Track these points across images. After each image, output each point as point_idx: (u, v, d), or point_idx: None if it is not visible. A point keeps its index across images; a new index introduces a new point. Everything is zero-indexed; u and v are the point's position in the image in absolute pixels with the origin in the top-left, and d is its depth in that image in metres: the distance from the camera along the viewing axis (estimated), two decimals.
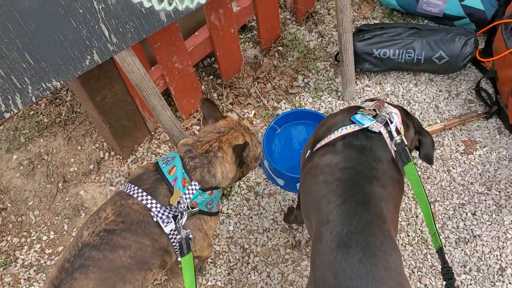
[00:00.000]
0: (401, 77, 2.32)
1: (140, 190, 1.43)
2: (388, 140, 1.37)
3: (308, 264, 1.90)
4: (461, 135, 2.12)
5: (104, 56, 1.44)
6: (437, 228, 1.31)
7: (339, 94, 2.30)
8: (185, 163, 1.46)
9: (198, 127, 2.27)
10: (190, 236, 1.41)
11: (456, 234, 1.90)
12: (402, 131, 1.41)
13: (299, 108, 2.26)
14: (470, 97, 2.21)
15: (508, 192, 1.96)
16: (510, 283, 1.78)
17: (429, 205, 1.31)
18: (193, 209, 1.45)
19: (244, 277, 1.90)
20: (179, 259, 1.39)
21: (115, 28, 1.42)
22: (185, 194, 1.43)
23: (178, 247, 1.43)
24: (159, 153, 2.23)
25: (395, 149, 1.35)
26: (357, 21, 2.51)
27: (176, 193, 1.42)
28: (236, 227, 2.01)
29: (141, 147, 2.25)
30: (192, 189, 1.44)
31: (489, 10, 2.24)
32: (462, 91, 2.23)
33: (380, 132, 1.38)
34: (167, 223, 1.41)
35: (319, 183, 1.32)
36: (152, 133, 2.28)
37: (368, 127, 1.37)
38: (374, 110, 1.42)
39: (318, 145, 1.43)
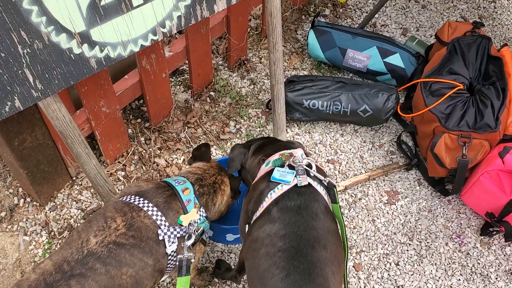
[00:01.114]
0: (328, 127, 2.39)
1: (151, 205, 1.43)
2: (318, 187, 1.39)
3: None
4: (384, 185, 2.21)
5: (27, 103, 1.34)
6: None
7: None
8: (196, 190, 1.55)
9: (123, 173, 2.17)
10: (192, 260, 1.42)
11: (381, 284, 1.94)
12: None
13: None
14: (392, 148, 2.33)
15: (428, 243, 2.06)
16: None
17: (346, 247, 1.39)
18: (198, 231, 1.50)
19: None
20: (166, 277, 1.50)
21: (41, 74, 1.33)
22: (198, 214, 1.51)
23: (172, 268, 1.49)
24: (80, 199, 2.10)
25: (325, 192, 1.39)
26: (287, 71, 2.58)
27: (192, 215, 1.48)
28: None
29: (61, 193, 2.10)
30: (201, 214, 1.53)
31: (409, 68, 2.39)
32: (385, 143, 2.34)
33: (309, 184, 1.39)
34: (172, 243, 1.42)
35: (261, 257, 1.29)
36: (74, 178, 2.14)
37: (296, 184, 1.38)
38: (289, 165, 1.44)
39: (254, 217, 1.41)
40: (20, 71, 1.29)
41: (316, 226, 1.31)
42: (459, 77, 2.13)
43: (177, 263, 1.51)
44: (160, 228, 1.40)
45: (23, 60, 1.28)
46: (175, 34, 2.50)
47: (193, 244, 1.48)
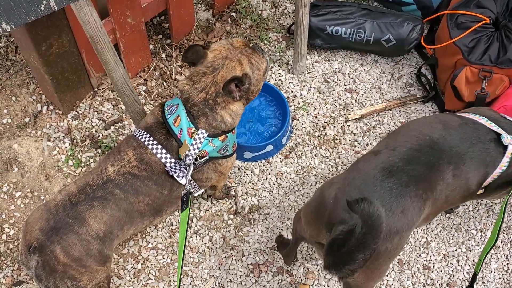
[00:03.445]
0: (348, 56, 2.39)
1: (155, 143, 1.44)
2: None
3: (250, 230, 1.95)
4: (400, 116, 2.25)
5: (62, 3, 1.35)
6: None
7: (289, 67, 2.33)
8: (188, 110, 1.44)
9: (144, 87, 2.20)
10: (191, 191, 1.45)
11: None
12: None
13: None
14: (411, 81, 2.34)
15: None
16: (433, 255, 1.94)
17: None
18: (202, 159, 1.45)
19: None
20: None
21: None
22: (191, 145, 1.41)
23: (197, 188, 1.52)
24: (101, 110, 2.14)
25: None
26: None
27: (184, 147, 1.41)
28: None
29: (83, 103, 2.15)
30: (200, 138, 1.42)
31: None
32: (404, 75, 2.35)
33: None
34: (182, 176, 1.43)
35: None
36: (95, 89, 2.18)
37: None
38: None
39: None
40: None
41: (470, 151, 1.41)
42: (486, 11, 2.10)
43: (196, 186, 1.57)
44: (165, 166, 1.44)
45: None
46: None
47: (222, 157, 1.52)
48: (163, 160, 1.43)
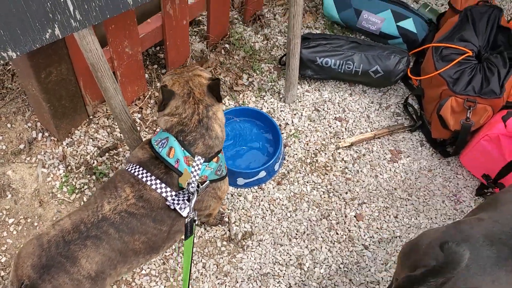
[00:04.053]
0: (338, 86, 2.47)
1: (153, 178, 1.44)
2: None
3: (243, 256, 1.97)
4: (388, 144, 2.31)
5: (66, 32, 1.40)
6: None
7: (281, 96, 2.39)
8: (182, 140, 1.45)
9: (139, 115, 2.24)
10: (195, 218, 1.43)
11: (379, 234, 2.07)
12: None
13: (244, 106, 2.32)
14: (398, 110, 2.42)
15: (426, 199, 2.18)
16: None
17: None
18: (204, 184, 1.47)
19: (179, 267, 1.92)
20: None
21: (81, 5, 1.38)
22: (191, 173, 1.44)
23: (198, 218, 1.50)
24: (96, 138, 2.17)
25: None
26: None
27: (186, 175, 1.42)
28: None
29: (78, 130, 2.17)
30: (198, 164, 1.45)
31: (421, 33, 2.46)
32: (391, 105, 2.43)
33: None
34: (184, 208, 1.43)
35: None
36: (91, 117, 2.21)
37: None
38: None
39: None
40: (62, 0, 1.34)
41: None
42: (469, 44, 2.21)
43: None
44: (167, 200, 1.44)
45: None
46: None
47: (217, 180, 1.56)
48: (164, 195, 1.44)
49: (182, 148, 1.44)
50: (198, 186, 1.45)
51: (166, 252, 1.94)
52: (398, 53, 2.33)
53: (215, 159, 1.51)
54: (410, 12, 2.48)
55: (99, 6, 1.43)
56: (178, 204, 1.44)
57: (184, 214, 1.46)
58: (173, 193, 1.44)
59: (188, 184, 1.43)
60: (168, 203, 1.44)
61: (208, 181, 1.50)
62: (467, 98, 2.07)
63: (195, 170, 1.45)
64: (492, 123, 2.06)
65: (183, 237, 1.54)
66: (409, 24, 2.46)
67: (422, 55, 2.44)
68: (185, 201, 1.45)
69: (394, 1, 2.50)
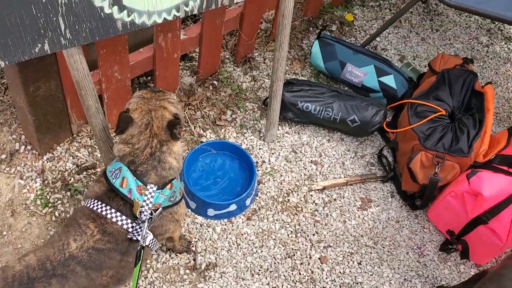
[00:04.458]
0: (317, 131, 2.56)
1: (113, 210, 1.45)
2: None
3: (204, 287, 1.98)
4: (360, 192, 2.37)
5: (55, 48, 1.49)
6: None
7: (261, 134, 2.48)
8: (134, 170, 1.46)
9: None
10: (144, 245, 1.43)
11: (341, 278, 2.09)
12: None
13: (223, 140, 2.40)
14: (372, 160, 2.50)
15: (390, 249, 2.22)
16: None
17: None
18: (157, 212, 1.47)
19: None
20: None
21: (72, 25, 1.49)
22: (144, 201, 1.44)
23: (152, 246, 1.52)
24: (77, 156, 2.23)
25: None
26: (288, 74, 2.75)
27: (136, 205, 1.43)
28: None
29: (60, 146, 2.24)
30: (150, 193, 1.45)
31: (400, 90, 2.58)
32: (367, 154, 2.52)
33: None
34: (146, 237, 1.44)
35: None
36: (74, 135, 2.28)
37: None
38: None
39: None
40: (55, 18, 1.44)
41: None
42: (443, 104, 2.32)
43: (157, 241, 1.60)
44: (128, 232, 1.46)
45: (59, 9, 1.44)
46: (191, 19, 2.67)
47: (175, 204, 1.58)
48: (125, 227, 1.46)
49: (135, 178, 1.45)
50: (151, 214, 1.45)
51: None
52: (376, 105, 2.44)
53: (168, 186, 1.51)
54: (392, 69, 2.60)
55: (90, 28, 1.53)
56: (139, 234, 1.45)
57: (147, 242, 1.47)
58: (134, 224, 1.45)
59: (141, 212, 1.43)
60: (129, 235, 1.45)
61: (161, 209, 1.50)
62: (436, 154, 2.15)
63: (148, 199, 1.45)
64: (459, 181, 2.14)
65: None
66: (390, 80, 2.58)
67: (401, 110, 2.55)
68: (147, 230, 1.46)
69: (378, 58, 2.64)
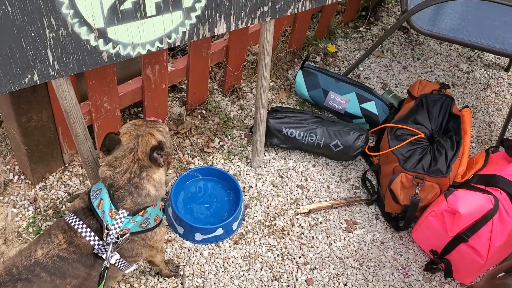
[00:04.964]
0: (303, 157, 2.64)
1: (85, 226, 1.52)
2: None
3: None
4: (345, 214, 2.43)
5: (44, 79, 1.59)
6: None
7: (248, 161, 2.56)
8: (112, 194, 1.53)
9: None
10: (107, 266, 1.49)
11: None
12: None
13: (211, 166, 2.48)
14: (357, 184, 2.56)
15: (376, 270, 2.25)
16: None
17: None
18: (124, 237, 1.53)
19: None
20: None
21: (60, 57, 1.59)
22: (113, 225, 1.51)
23: (126, 268, 1.58)
24: (69, 184, 2.30)
25: None
26: (274, 103, 2.86)
27: (104, 227, 1.51)
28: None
29: (53, 175, 2.31)
30: (120, 218, 1.51)
31: (382, 115, 2.67)
32: (351, 178, 2.58)
33: None
34: (111, 256, 1.51)
35: None
36: (67, 165, 2.36)
37: None
38: None
39: None
40: (43, 51, 1.55)
41: None
42: (422, 127, 2.40)
43: (128, 263, 1.65)
44: (94, 248, 1.51)
45: (48, 42, 1.54)
46: (181, 53, 2.79)
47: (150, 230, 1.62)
48: (92, 243, 1.51)
49: (110, 202, 1.51)
50: (118, 238, 1.51)
51: None
52: (358, 130, 2.52)
53: (141, 213, 1.56)
54: (373, 95, 2.71)
55: (77, 59, 1.63)
56: (103, 253, 1.51)
57: (112, 262, 1.54)
58: (100, 242, 1.51)
59: (107, 235, 1.49)
60: (95, 251, 1.51)
61: (128, 234, 1.55)
62: (416, 175, 2.22)
63: (117, 223, 1.50)
64: (438, 200, 2.20)
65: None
66: (371, 106, 2.68)
67: (383, 134, 2.63)
68: (112, 250, 1.51)
69: (359, 85, 2.75)
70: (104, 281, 1.46)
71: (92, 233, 1.52)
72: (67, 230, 1.53)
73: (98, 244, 1.52)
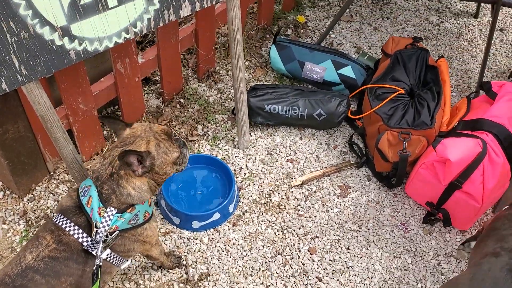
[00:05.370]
0: (288, 131, 2.63)
1: (72, 224, 1.49)
2: None
3: None
4: (337, 180, 2.44)
5: (13, 85, 1.55)
6: None
7: (235, 143, 2.54)
8: (100, 191, 1.50)
9: None
10: (100, 264, 1.47)
11: (332, 266, 2.14)
12: None
13: (198, 153, 2.46)
14: (345, 149, 2.57)
15: (375, 230, 2.27)
16: None
17: None
18: (113, 234, 1.51)
19: None
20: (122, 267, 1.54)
21: (26, 61, 1.54)
22: (102, 223, 1.48)
23: (114, 262, 1.54)
24: (57, 192, 2.26)
25: None
26: (252, 82, 2.83)
27: (93, 225, 1.48)
28: (131, 264, 2.07)
29: (39, 186, 2.27)
30: (109, 216, 1.49)
31: (360, 78, 2.67)
32: (338, 145, 2.59)
33: None
34: (100, 251, 1.48)
35: None
36: (52, 173, 2.31)
37: None
38: None
39: None
40: (7, 57, 1.50)
41: None
42: (401, 83, 2.41)
43: (121, 257, 1.63)
44: (83, 245, 1.48)
45: (10, 47, 1.49)
46: (150, 45, 2.75)
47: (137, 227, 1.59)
48: (80, 240, 1.49)
49: (99, 200, 1.49)
50: (107, 236, 1.49)
51: None
52: (338, 96, 2.52)
53: (129, 210, 1.53)
54: (349, 60, 2.70)
55: (44, 61, 1.59)
56: (94, 250, 1.49)
57: (104, 256, 1.52)
58: (89, 238, 1.49)
59: (96, 233, 1.47)
60: (84, 247, 1.48)
61: (117, 232, 1.52)
62: (401, 131, 2.23)
63: (106, 221, 1.48)
64: (427, 152, 2.21)
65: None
66: (348, 71, 2.67)
67: (363, 97, 2.63)
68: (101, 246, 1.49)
69: (333, 52, 2.73)
70: (99, 279, 1.44)
71: (81, 231, 1.49)
72: (55, 230, 1.50)
73: (87, 241, 1.49)
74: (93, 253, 1.49)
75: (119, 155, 1.43)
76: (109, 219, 1.49)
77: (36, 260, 1.45)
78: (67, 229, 1.49)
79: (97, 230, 1.47)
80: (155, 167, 1.52)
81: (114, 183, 1.50)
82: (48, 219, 1.61)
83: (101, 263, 1.48)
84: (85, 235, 1.49)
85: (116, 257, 1.61)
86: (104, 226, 1.48)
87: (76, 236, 1.49)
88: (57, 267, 1.46)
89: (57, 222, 1.52)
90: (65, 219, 1.51)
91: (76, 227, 1.49)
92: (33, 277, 1.43)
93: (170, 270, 2.08)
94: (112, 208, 1.50)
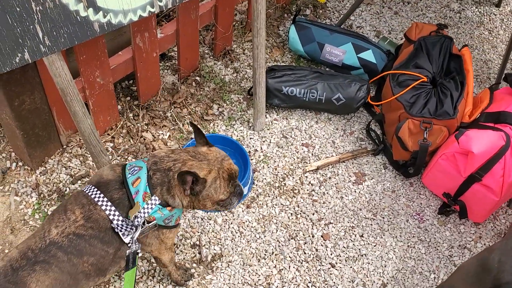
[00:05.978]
0: (304, 115, 2.59)
1: (106, 199, 1.45)
2: None
3: (213, 278, 2.00)
4: (353, 167, 2.41)
5: (35, 56, 1.50)
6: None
7: (250, 124, 2.50)
8: (150, 176, 1.46)
9: (111, 144, 2.32)
10: (138, 251, 1.45)
11: (346, 253, 2.12)
12: None
13: (214, 133, 2.42)
14: (362, 136, 2.53)
15: (390, 219, 2.25)
16: None
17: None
18: (150, 224, 1.47)
19: None
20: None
21: (50, 31, 1.49)
22: (144, 208, 1.44)
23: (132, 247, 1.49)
24: (69, 166, 2.23)
25: None
26: (268, 62, 2.78)
27: (135, 208, 1.44)
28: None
29: (52, 159, 2.24)
30: (152, 204, 1.45)
31: (380, 63, 2.61)
32: (355, 131, 2.55)
33: None
34: (127, 235, 1.45)
35: None
36: (64, 146, 2.28)
37: None
38: None
39: None
40: (31, 26, 1.45)
41: None
42: (423, 71, 2.36)
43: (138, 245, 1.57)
44: (112, 222, 1.45)
45: (35, 16, 1.44)
46: (166, 19, 2.68)
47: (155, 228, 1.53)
48: (111, 217, 1.45)
49: (147, 184, 1.46)
50: (144, 223, 1.46)
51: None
52: (358, 81, 2.47)
53: (169, 208, 1.51)
54: (370, 44, 2.64)
55: (68, 33, 1.53)
56: (121, 230, 1.45)
57: (126, 240, 1.47)
58: (121, 218, 1.45)
59: (135, 217, 1.44)
60: (113, 225, 1.45)
61: (155, 222, 1.49)
62: (423, 120, 2.19)
63: (147, 208, 1.45)
64: (448, 142, 2.18)
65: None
66: (369, 55, 2.61)
67: (383, 83, 2.58)
68: (129, 229, 1.45)
69: (354, 35, 2.67)
70: (135, 266, 1.42)
71: (113, 208, 1.45)
72: (86, 204, 1.46)
73: (118, 220, 1.45)
74: (120, 234, 1.45)
75: (182, 171, 1.41)
76: (151, 208, 1.45)
77: (61, 236, 1.42)
78: (100, 203, 1.45)
79: (137, 214, 1.43)
80: (200, 195, 1.51)
81: (167, 178, 1.47)
82: (79, 190, 1.55)
83: (139, 250, 1.44)
84: (117, 213, 1.45)
85: (136, 243, 1.55)
86: (144, 212, 1.44)
87: (107, 212, 1.45)
88: (81, 245, 1.43)
89: (90, 194, 1.47)
90: (99, 193, 1.46)
91: (109, 204, 1.45)
92: (56, 254, 1.41)
93: (183, 250, 2.06)
94: (157, 198, 1.47)
